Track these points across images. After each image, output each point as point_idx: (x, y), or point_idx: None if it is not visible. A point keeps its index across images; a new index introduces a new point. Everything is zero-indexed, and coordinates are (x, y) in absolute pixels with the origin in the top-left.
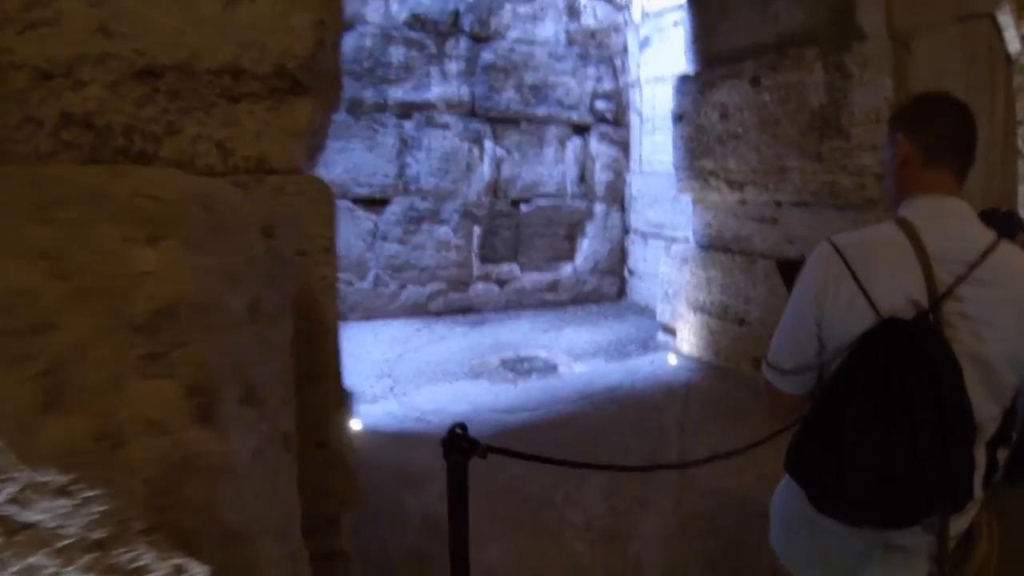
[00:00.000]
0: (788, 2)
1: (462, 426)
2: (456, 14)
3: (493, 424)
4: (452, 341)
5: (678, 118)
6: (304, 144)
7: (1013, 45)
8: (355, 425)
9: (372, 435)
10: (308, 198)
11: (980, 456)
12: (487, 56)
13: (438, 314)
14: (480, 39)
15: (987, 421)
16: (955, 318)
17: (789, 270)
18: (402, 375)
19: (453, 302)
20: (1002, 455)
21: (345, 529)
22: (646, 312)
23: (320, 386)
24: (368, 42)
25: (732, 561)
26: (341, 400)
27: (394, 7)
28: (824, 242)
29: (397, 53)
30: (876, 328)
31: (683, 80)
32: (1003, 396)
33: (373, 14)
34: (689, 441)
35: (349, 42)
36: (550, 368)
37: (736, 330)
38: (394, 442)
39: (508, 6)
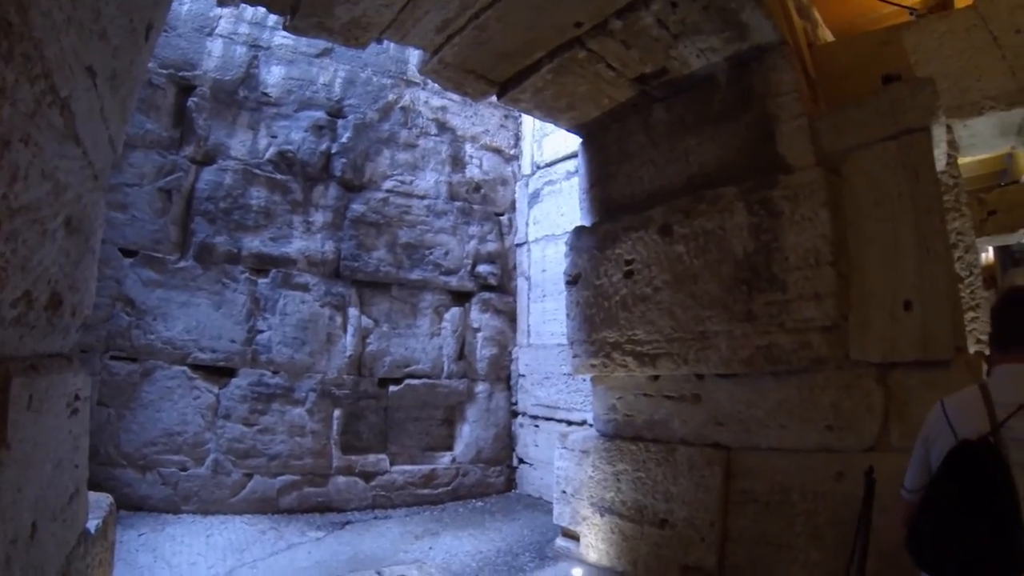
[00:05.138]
0: (699, 137)
1: None
2: (328, 156)
3: None
4: (301, 551)
5: (573, 280)
6: None
7: (940, 161)
8: None
9: None
10: None
11: None
12: (358, 207)
13: (291, 512)
14: (352, 187)
15: None
16: (1008, 440)
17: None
18: None
19: (309, 498)
20: None
21: None
22: (540, 506)
23: None
24: (228, 179)
25: None
26: None
27: (262, 142)
28: (936, 403)
29: (259, 196)
30: (952, 449)
31: (578, 233)
32: None
33: (238, 147)
34: None
35: (207, 177)
36: None
37: (657, 534)
38: None
39: (386, 152)
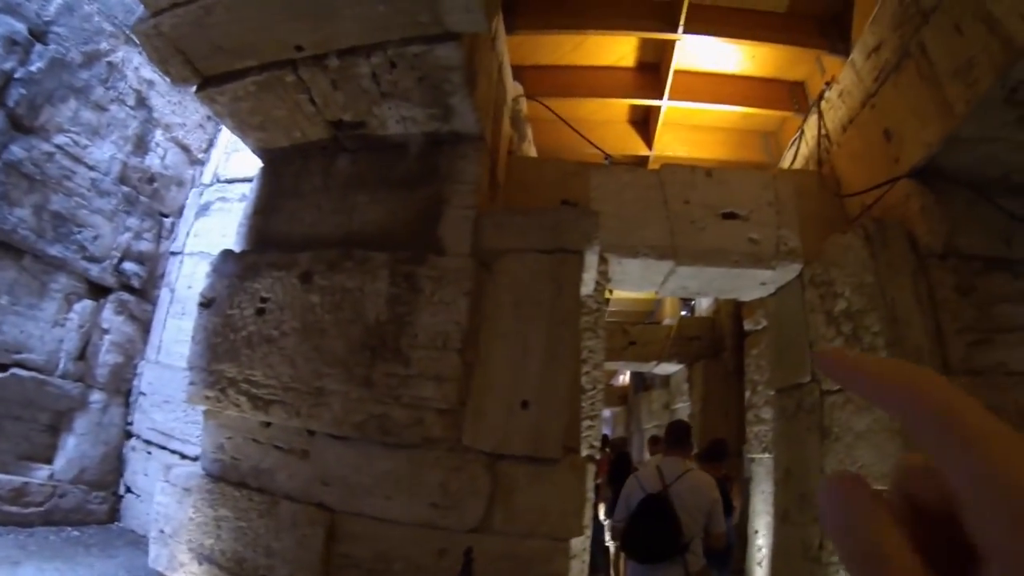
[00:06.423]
0: (372, 197)
1: None
2: (8, 79)
3: None
4: None
5: (206, 303)
6: None
7: (588, 286)
8: None
9: None
10: None
11: (697, 543)
12: (18, 152)
13: None
14: (20, 127)
15: (696, 531)
16: (673, 495)
17: None
18: None
19: None
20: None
21: None
22: (143, 544)
23: None
24: None
25: None
26: None
27: None
28: (632, 476)
29: None
30: (644, 497)
31: (224, 257)
32: (699, 524)
33: None
34: None
35: None
36: None
37: None
38: None
39: (73, 103)
